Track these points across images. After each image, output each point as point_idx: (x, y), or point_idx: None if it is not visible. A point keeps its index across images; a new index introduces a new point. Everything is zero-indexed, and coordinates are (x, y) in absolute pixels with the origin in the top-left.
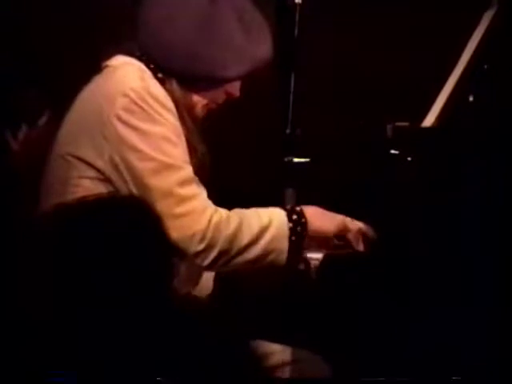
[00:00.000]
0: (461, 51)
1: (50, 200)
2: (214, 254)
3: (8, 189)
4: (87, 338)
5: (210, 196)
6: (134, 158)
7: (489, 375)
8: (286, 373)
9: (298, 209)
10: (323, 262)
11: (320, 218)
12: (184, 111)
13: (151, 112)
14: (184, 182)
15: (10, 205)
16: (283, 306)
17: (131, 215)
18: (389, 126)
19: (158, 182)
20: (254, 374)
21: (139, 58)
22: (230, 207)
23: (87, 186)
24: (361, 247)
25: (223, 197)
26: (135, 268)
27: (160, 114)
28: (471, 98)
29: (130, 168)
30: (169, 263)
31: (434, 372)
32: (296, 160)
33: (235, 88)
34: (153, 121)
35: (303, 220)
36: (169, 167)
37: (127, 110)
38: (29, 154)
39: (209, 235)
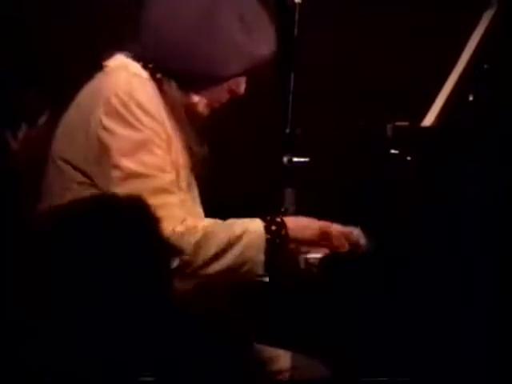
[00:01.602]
0: (461, 51)
1: (47, 200)
2: (175, 263)
3: (8, 189)
4: (86, 337)
5: (209, 197)
6: (107, 164)
7: (489, 375)
8: (285, 376)
9: (278, 220)
10: (323, 261)
11: (300, 226)
12: (181, 112)
13: (131, 119)
14: (154, 191)
15: (10, 205)
16: (283, 305)
17: (103, 220)
18: (389, 126)
19: (124, 191)
20: (254, 375)
21: (138, 58)
22: (229, 208)
23: (75, 188)
24: (346, 249)
25: (223, 197)
26: (126, 269)
27: (139, 121)
28: (471, 98)
29: (104, 174)
30: (167, 264)
31: (434, 372)
32: (296, 160)
33: (238, 86)
34: (131, 127)
35: (283, 232)
36: (137, 176)
37: (108, 115)
38: (29, 154)
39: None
